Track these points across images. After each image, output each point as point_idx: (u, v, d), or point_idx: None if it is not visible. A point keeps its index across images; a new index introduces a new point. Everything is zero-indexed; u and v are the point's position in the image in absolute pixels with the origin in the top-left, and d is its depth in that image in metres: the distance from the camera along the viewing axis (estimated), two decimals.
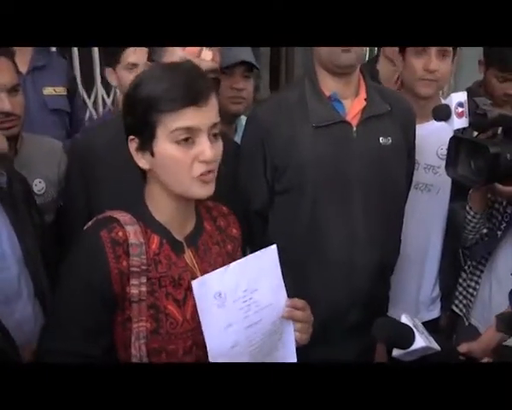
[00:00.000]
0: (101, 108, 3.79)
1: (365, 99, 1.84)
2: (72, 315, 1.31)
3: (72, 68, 3.30)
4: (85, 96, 3.57)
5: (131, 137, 1.34)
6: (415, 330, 1.54)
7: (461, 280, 2.26)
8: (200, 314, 1.27)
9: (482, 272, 2.17)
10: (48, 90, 2.64)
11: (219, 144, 1.35)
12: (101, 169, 1.71)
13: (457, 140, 1.85)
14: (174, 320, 1.35)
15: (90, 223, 1.36)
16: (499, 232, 2.07)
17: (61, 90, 2.69)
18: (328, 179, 1.80)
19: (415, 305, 2.31)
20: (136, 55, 2.33)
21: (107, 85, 3.81)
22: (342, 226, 1.83)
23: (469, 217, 2.02)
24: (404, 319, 1.58)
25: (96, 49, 3.69)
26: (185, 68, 1.36)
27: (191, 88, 1.28)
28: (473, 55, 2.74)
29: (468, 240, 2.11)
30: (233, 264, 1.31)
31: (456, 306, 2.28)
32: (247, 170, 1.89)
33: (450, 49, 2.11)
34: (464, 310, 2.24)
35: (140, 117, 1.30)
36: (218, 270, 1.29)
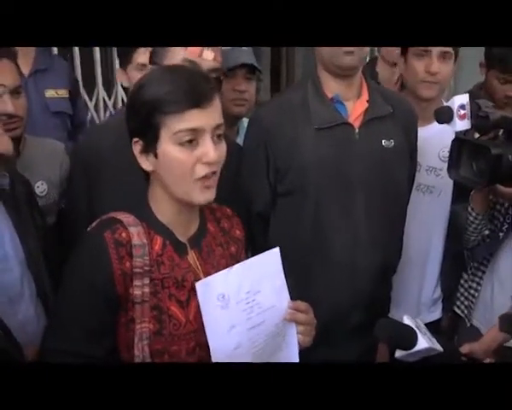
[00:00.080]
0: (102, 110, 3.79)
1: (367, 101, 1.85)
2: (75, 316, 1.31)
3: (73, 71, 3.30)
4: (87, 98, 3.57)
5: (135, 139, 1.35)
6: (417, 331, 1.54)
7: (462, 281, 2.27)
8: (203, 316, 1.28)
9: (484, 273, 2.17)
10: (50, 93, 2.64)
11: (223, 146, 1.35)
12: (105, 171, 1.72)
13: (459, 142, 1.85)
14: (177, 321, 1.35)
15: (93, 224, 1.37)
16: (501, 234, 2.07)
17: (63, 93, 2.69)
18: (331, 181, 1.80)
19: (416, 306, 2.32)
20: (146, 56, 2.32)
21: (108, 87, 3.81)
22: (344, 228, 1.83)
23: (471, 218, 2.02)
24: (407, 320, 1.58)
25: (97, 52, 3.69)
26: (188, 70, 1.37)
27: (194, 90, 1.28)
28: (473, 56, 2.74)
29: (469, 241, 2.11)
30: (236, 266, 1.31)
31: (458, 307, 2.28)
32: (249, 172, 1.89)
33: (452, 51, 2.12)
34: (466, 311, 2.24)
35: (144, 119, 1.30)
36: (221, 272, 1.29)
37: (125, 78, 2.42)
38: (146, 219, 1.37)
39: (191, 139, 1.29)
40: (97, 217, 1.39)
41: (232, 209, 1.58)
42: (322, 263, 1.85)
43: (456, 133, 1.89)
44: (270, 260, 1.36)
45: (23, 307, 1.62)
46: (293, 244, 1.79)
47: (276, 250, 1.36)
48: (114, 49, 3.71)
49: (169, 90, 1.28)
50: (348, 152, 1.81)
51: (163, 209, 1.39)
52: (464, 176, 1.85)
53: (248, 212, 1.87)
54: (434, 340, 1.58)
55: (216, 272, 1.31)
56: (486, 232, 2.07)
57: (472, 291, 2.21)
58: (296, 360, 1.43)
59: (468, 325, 2.23)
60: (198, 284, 1.27)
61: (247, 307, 1.31)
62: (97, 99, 3.77)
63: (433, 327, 1.94)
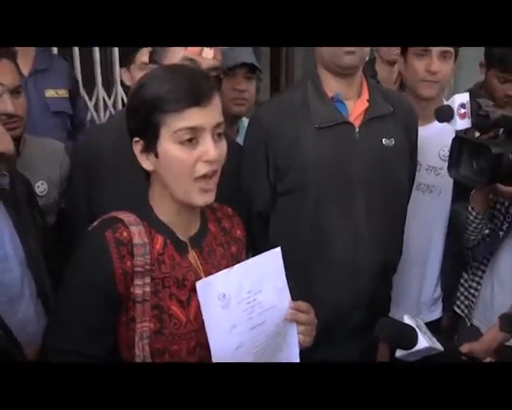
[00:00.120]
0: (102, 110, 3.79)
1: (368, 100, 1.85)
2: (76, 315, 1.31)
3: (73, 70, 3.30)
4: (86, 98, 3.57)
5: (136, 139, 1.35)
6: (418, 330, 1.54)
7: (462, 281, 2.27)
8: (204, 316, 1.27)
9: (484, 272, 2.17)
10: (50, 93, 2.64)
11: (223, 144, 1.35)
12: (105, 170, 1.72)
13: (460, 141, 1.86)
14: (178, 321, 1.35)
15: (95, 223, 1.37)
16: (501, 233, 2.07)
17: (63, 93, 2.69)
18: (331, 180, 1.80)
19: (416, 306, 2.32)
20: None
21: (107, 87, 3.81)
22: (345, 227, 1.83)
23: (471, 217, 2.03)
24: (407, 320, 1.58)
25: (97, 52, 3.69)
26: (188, 69, 1.39)
27: (194, 88, 1.29)
28: (473, 56, 2.74)
29: (469, 240, 2.11)
30: (237, 265, 1.31)
31: (458, 306, 2.28)
32: (249, 171, 1.89)
33: (452, 50, 2.13)
34: (466, 311, 2.24)
35: (144, 118, 1.31)
36: (222, 271, 1.29)
37: (129, 77, 2.42)
38: (147, 219, 1.37)
39: (191, 138, 1.29)
40: (97, 217, 1.39)
41: (233, 209, 1.58)
42: (322, 262, 1.85)
43: (457, 132, 1.89)
44: (272, 260, 1.36)
45: (23, 307, 1.62)
46: (293, 243, 1.79)
47: (278, 250, 1.36)
48: (114, 49, 3.71)
49: (169, 89, 1.29)
50: (348, 151, 1.81)
51: (164, 209, 1.39)
52: (464, 175, 1.85)
53: (248, 211, 1.87)
54: (435, 339, 1.58)
55: (217, 271, 1.31)
56: (486, 231, 2.08)
57: (472, 291, 2.21)
58: (297, 360, 1.43)
59: (469, 324, 2.23)
60: (199, 284, 1.26)
61: (247, 307, 1.31)
62: (97, 99, 3.77)
63: (433, 326, 1.94)
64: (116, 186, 1.65)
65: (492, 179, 1.81)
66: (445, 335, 2.32)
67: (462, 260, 2.25)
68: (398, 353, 1.56)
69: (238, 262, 1.34)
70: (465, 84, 2.88)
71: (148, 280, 1.32)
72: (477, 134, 1.94)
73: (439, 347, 1.56)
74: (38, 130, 2.33)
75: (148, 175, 1.40)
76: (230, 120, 2.23)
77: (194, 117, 1.28)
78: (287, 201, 1.87)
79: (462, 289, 2.27)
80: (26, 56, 2.56)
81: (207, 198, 1.35)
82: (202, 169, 1.30)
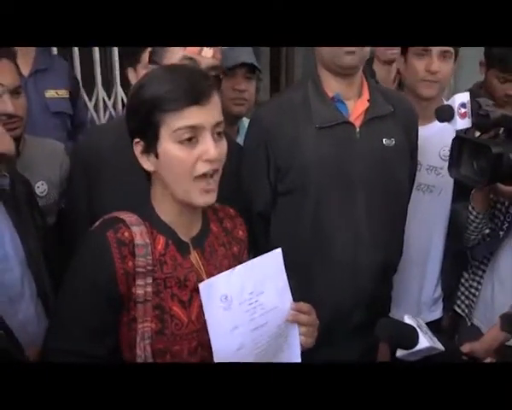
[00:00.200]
0: (101, 111, 3.78)
1: (368, 100, 1.85)
2: (78, 315, 1.31)
3: (73, 71, 3.30)
4: (86, 99, 3.56)
5: (136, 140, 1.35)
6: (418, 330, 1.54)
7: (463, 280, 2.27)
8: (206, 317, 1.28)
9: (484, 272, 2.17)
10: (50, 93, 2.64)
11: (224, 143, 1.36)
12: (105, 171, 1.72)
13: (460, 140, 1.86)
14: (179, 321, 1.35)
15: (96, 223, 1.37)
16: (501, 232, 2.07)
17: (64, 93, 2.68)
18: (332, 180, 1.80)
19: (417, 306, 2.32)
20: None
21: (107, 87, 3.81)
22: (345, 227, 1.83)
23: (472, 217, 2.03)
24: (408, 320, 1.58)
25: (96, 52, 3.69)
26: (187, 69, 1.40)
27: (193, 87, 1.29)
28: (473, 55, 2.74)
29: (470, 240, 2.11)
30: (239, 267, 1.31)
31: (459, 306, 2.28)
32: (249, 171, 1.89)
33: (452, 50, 2.13)
34: (466, 310, 2.24)
35: (144, 118, 1.31)
36: (224, 273, 1.30)
37: (135, 77, 2.42)
38: (149, 219, 1.37)
39: (191, 137, 1.29)
40: (98, 217, 1.39)
41: (235, 209, 1.59)
42: (323, 262, 1.84)
43: (457, 132, 1.89)
44: (273, 261, 1.36)
45: (23, 307, 1.62)
46: (293, 244, 1.79)
47: (279, 251, 1.36)
48: (114, 50, 3.71)
49: (168, 89, 1.29)
50: (349, 151, 1.81)
51: (165, 209, 1.39)
52: (465, 175, 1.85)
53: (249, 212, 1.87)
54: (435, 339, 1.58)
55: (218, 272, 1.31)
56: (487, 231, 2.08)
57: (472, 290, 2.21)
58: (298, 360, 1.43)
59: (469, 324, 2.23)
60: (201, 285, 1.27)
61: (249, 308, 1.31)
62: (97, 99, 3.76)
63: (433, 326, 1.93)
64: (116, 187, 1.65)
65: (493, 179, 1.81)
66: (446, 335, 2.32)
67: (463, 259, 2.25)
68: (399, 353, 1.56)
69: (240, 263, 1.35)
70: (465, 84, 2.88)
71: (149, 280, 1.32)
72: (477, 134, 1.94)
73: (440, 346, 1.56)
74: (38, 130, 2.33)
75: (149, 176, 1.40)
76: (230, 120, 2.23)
77: (193, 116, 1.28)
78: (287, 201, 1.87)
79: (462, 289, 2.27)
80: (26, 56, 2.55)
81: (208, 199, 1.35)
82: (202, 168, 1.31)
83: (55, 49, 3.35)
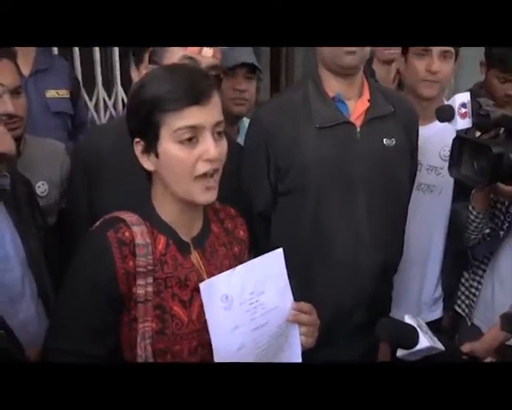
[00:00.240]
0: (102, 111, 3.78)
1: (369, 100, 1.85)
2: (78, 315, 1.32)
3: (74, 71, 3.30)
4: (86, 99, 3.57)
5: (137, 139, 1.35)
6: (419, 330, 1.54)
7: (463, 280, 2.27)
8: (206, 317, 1.28)
9: (484, 271, 2.17)
10: (50, 93, 2.63)
11: (224, 143, 1.36)
12: (105, 171, 1.72)
13: (461, 140, 1.86)
14: (180, 321, 1.35)
15: (97, 223, 1.37)
16: (501, 232, 2.07)
17: (64, 93, 2.68)
18: (332, 180, 1.80)
19: (417, 305, 2.32)
20: None
21: (108, 87, 3.81)
22: (346, 227, 1.83)
23: (472, 217, 2.03)
24: (408, 319, 1.58)
25: (97, 52, 3.69)
26: (187, 69, 1.41)
27: (193, 87, 1.29)
28: (473, 55, 2.74)
29: (470, 240, 2.11)
30: (240, 267, 1.31)
31: (459, 306, 2.28)
32: (249, 171, 1.89)
33: (452, 50, 2.13)
34: (467, 310, 2.24)
35: (144, 118, 1.31)
36: (225, 272, 1.30)
37: (138, 76, 2.42)
38: (149, 219, 1.37)
39: (191, 137, 1.30)
40: (98, 217, 1.39)
41: (236, 209, 1.59)
42: (323, 262, 1.84)
43: (458, 132, 1.89)
44: (274, 261, 1.36)
45: (24, 307, 1.62)
46: (294, 244, 1.79)
47: (280, 251, 1.36)
48: (114, 50, 3.71)
49: (168, 89, 1.29)
50: (349, 151, 1.81)
51: (166, 209, 1.39)
52: (465, 175, 1.85)
53: (249, 211, 1.87)
54: (436, 339, 1.58)
55: (219, 272, 1.32)
56: (487, 231, 2.08)
57: (473, 290, 2.21)
58: (299, 360, 1.43)
59: (469, 323, 2.23)
60: (202, 285, 1.27)
61: (250, 308, 1.31)
62: (97, 99, 3.76)
63: (433, 326, 1.93)
64: (117, 187, 1.65)
65: (493, 179, 1.81)
66: (446, 335, 2.32)
67: (463, 259, 2.25)
68: (399, 352, 1.56)
69: (240, 263, 1.35)
70: (466, 84, 2.88)
71: (150, 280, 1.33)
72: (478, 134, 1.95)
73: (440, 346, 1.56)
74: (39, 130, 2.33)
75: (149, 175, 1.40)
76: (231, 120, 2.23)
77: (193, 116, 1.29)
78: (287, 201, 1.87)
79: (462, 289, 2.27)
80: (27, 57, 2.55)
81: (209, 196, 1.35)
82: (203, 168, 1.31)
83: (55, 49, 3.35)
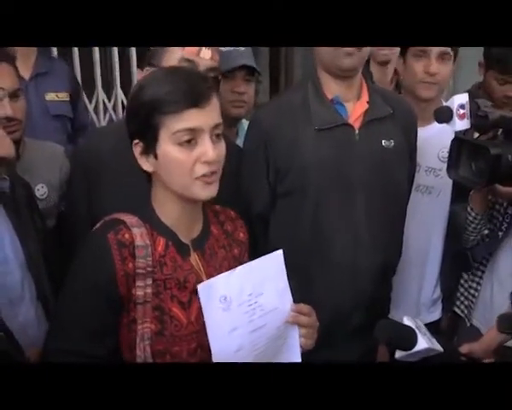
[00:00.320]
0: (101, 113, 3.79)
1: (367, 102, 1.84)
2: (78, 316, 1.32)
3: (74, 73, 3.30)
4: (86, 101, 3.57)
5: (136, 141, 1.36)
6: (417, 331, 1.54)
7: (462, 281, 2.27)
8: (205, 318, 1.27)
9: (483, 272, 2.17)
10: (50, 96, 2.64)
11: (222, 145, 1.36)
12: (105, 174, 1.72)
13: (459, 142, 1.86)
14: (178, 322, 1.36)
15: (98, 225, 1.38)
16: (500, 233, 2.07)
17: (64, 96, 2.69)
18: (331, 182, 1.80)
19: (416, 307, 2.32)
20: None
21: (107, 89, 3.81)
22: (345, 229, 1.82)
23: (470, 218, 2.03)
24: (407, 321, 1.58)
25: (96, 53, 3.69)
26: (186, 71, 1.41)
27: (193, 90, 1.30)
28: (472, 56, 2.74)
29: (469, 241, 2.11)
30: (239, 268, 1.31)
31: (458, 307, 2.28)
32: (249, 173, 1.89)
33: (451, 52, 2.13)
34: (466, 311, 2.24)
35: (143, 120, 1.32)
36: (223, 273, 1.30)
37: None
38: (149, 221, 1.38)
39: (190, 139, 1.30)
40: (97, 220, 1.40)
41: (236, 211, 1.59)
42: (322, 264, 1.84)
43: (456, 133, 1.89)
44: (273, 263, 1.36)
45: (23, 310, 1.63)
46: (293, 245, 1.78)
47: (280, 252, 1.36)
48: (114, 52, 3.71)
49: (168, 91, 1.30)
50: (348, 153, 1.81)
51: (166, 210, 1.40)
52: (463, 176, 1.86)
53: (248, 213, 1.87)
54: (434, 340, 1.58)
55: (218, 274, 1.31)
56: (486, 232, 2.08)
57: (472, 291, 2.21)
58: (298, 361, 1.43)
59: (468, 324, 2.23)
60: (200, 286, 1.27)
61: (249, 310, 1.31)
62: (97, 101, 3.77)
63: (432, 327, 1.94)
64: (117, 189, 1.65)
65: (491, 180, 1.81)
66: (445, 336, 2.32)
67: (462, 260, 2.25)
68: (398, 354, 1.56)
69: (240, 265, 1.35)
70: (464, 85, 2.88)
71: (149, 282, 1.33)
72: (476, 135, 1.95)
73: (439, 348, 1.56)
74: (38, 133, 2.33)
75: (149, 177, 1.41)
76: (229, 122, 2.23)
77: (192, 118, 1.29)
78: (287, 202, 1.86)
79: (461, 290, 2.27)
80: (27, 60, 2.56)
81: (210, 192, 1.35)
82: (201, 170, 1.32)
83: (55, 52, 3.35)
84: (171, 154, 1.31)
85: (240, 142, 2.16)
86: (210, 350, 1.29)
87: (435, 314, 2.38)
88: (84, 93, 3.39)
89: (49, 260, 1.74)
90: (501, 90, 2.53)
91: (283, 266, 1.36)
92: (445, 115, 1.83)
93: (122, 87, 3.79)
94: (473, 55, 2.68)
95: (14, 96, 1.88)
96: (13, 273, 1.61)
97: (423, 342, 1.52)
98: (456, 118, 1.81)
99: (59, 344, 1.33)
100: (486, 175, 1.77)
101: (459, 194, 2.13)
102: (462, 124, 1.82)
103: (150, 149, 1.34)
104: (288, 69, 5.25)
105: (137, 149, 1.36)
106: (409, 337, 1.53)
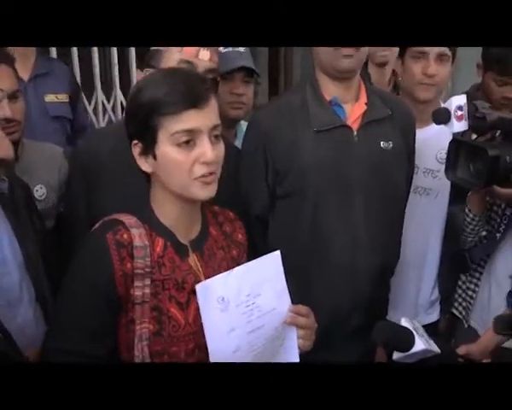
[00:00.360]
0: (101, 114, 3.79)
1: (366, 103, 1.85)
2: (77, 316, 1.32)
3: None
4: (85, 102, 3.57)
5: (135, 141, 1.36)
6: (414, 333, 1.54)
7: (460, 283, 2.27)
8: (202, 318, 1.28)
9: (481, 274, 2.17)
10: (49, 98, 2.64)
11: (221, 146, 1.37)
12: (104, 175, 1.72)
13: (457, 143, 1.86)
14: (176, 323, 1.36)
15: (96, 225, 1.38)
16: (498, 234, 2.07)
17: (63, 98, 2.69)
18: (330, 183, 1.80)
19: (414, 308, 2.32)
20: None
21: (107, 90, 3.81)
22: (343, 230, 1.82)
23: (468, 219, 2.03)
24: (404, 322, 1.58)
25: (96, 54, 3.69)
26: (184, 72, 1.42)
27: (191, 91, 1.31)
28: (470, 57, 2.74)
29: (467, 243, 2.11)
30: (236, 268, 1.32)
31: (456, 308, 2.28)
32: (247, 174, 1.89)
33: (449, 53, 2.13)
34: (464, 312, 2.24)
35: (142, 121, 1.32)
36: (221, 274, 1.30)
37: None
38: (148, 221, 1.38)
39: (188, 140, 1.31)
40: (96, 221, 1.41)
41: (235, 213, 1.59)
42: (321, 265, 1.84)
43: (454, 134, 1.89)
44: (271, 263, 1.36)
45: (22, 311, 1.62)
46: (292, 247, 1.79)
47: (277, 253, 1.36)
48: (113, 52, 3.72)
49: (166, 92, 1.31)
50: (347, 154, 1.81)
51: (165, 211, 1.40)
52: (461, 177, 1.86)
53: (247, 215, 1.87)
54: (432, 342, 1.58)
55: (217, 275, 1.32)
56: (483, 233, 2.08)
57: (470, 292, 2.21)
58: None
59: (466, 326, 2.23)
60: (198, 287, 1.27)
61: (246, 311, 1.31)
62: (96, 102, 3.77)
63: (430, 329, 1.94)
64: (116, 190, 1.65)
65: (489, 182, 1.81)
66: (443, 337, 2.32)
67: (460, 262, 2.25)
68: (395, 355, 1.56)
69: (239, 266, 1.35)
70: (463, 87, 2.88)
71: (147, 282, 1.33)
72: (474, 136, 1.95)
73: (436, 349, 1.57)
74: (38, 134, 2.34)
75: (148, 178, 1.41)
76: (228, 123, 2.24)
77: (191, 119, 1.30)
78: (285, 204, 1.87)
79: (459, 291, 2.27)
80: (26, 62, 2.56)
81: (208, 192, 1.36)
82: (200, 171, 1.32)
83: (54, 53, 3.35)
84: (170, 154, 1.32)
85: (238, 143, 2.16)
86: (207, 351, 1.29)
87: (433, 316, 2.38)
88: (83, 94, 3.40)
89: (48, 261, 1.74)
90: (499, 92, 2.52)
91: (281, 267, 1.36)
92: (442, 117, 1.83)
93: (121, 88, 3.79)
94: (471, 56, 2.68)
95: (13, 97, 1.88)
96: (11, 274, 1.61)
97: (421, 344, 1.53)
98: (454, 119, 1.81)
99: (59, 344, 1.33)
100: (484, 176, 1.77)
101: (457, 195, 2.13)
102: (460, 125, 1.82)
103: (149, 149, 1.34)
104: (287, 70, 5.26)
105: (136, 149, 1.37)
106: (406, 339, 1.54)
